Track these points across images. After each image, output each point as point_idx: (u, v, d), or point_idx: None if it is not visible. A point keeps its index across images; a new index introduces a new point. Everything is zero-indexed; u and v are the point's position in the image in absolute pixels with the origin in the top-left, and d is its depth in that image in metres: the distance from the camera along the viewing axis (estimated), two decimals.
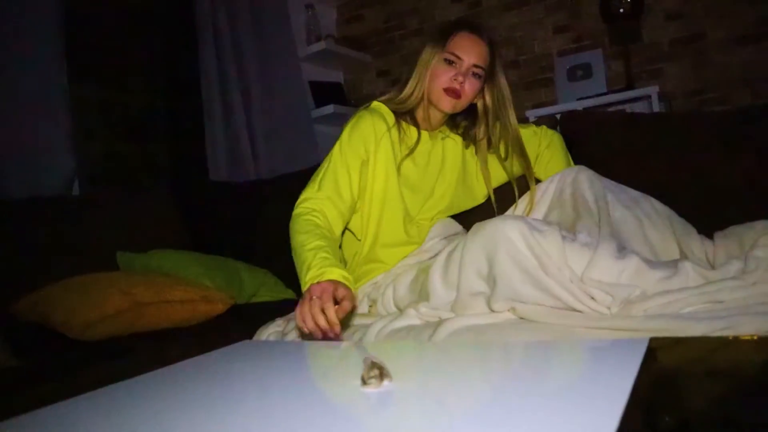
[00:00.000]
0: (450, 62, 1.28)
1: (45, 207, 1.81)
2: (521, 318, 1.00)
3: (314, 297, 1.02)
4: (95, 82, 2.30)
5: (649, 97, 2.44)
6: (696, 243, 1.15)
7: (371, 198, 1.31)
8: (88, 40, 2.30)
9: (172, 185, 2.12)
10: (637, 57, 2.73)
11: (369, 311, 1.27)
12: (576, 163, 1.46)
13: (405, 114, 1.34)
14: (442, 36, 1.31)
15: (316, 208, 1.23)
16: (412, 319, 1.15)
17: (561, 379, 0.66)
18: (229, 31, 2.64)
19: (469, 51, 1.28)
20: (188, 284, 1.45)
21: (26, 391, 1.01)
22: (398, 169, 1.31)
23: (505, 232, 0.98)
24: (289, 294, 1.77)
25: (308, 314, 1.00)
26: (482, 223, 1.05)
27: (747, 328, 0.82)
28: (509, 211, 1.39)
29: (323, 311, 0.99)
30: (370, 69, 3.37)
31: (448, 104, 1.30)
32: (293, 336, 1.26)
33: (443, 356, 0.82)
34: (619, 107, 2.51)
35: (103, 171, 2.27)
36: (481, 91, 1.35)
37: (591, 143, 1.53)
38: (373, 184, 1.30)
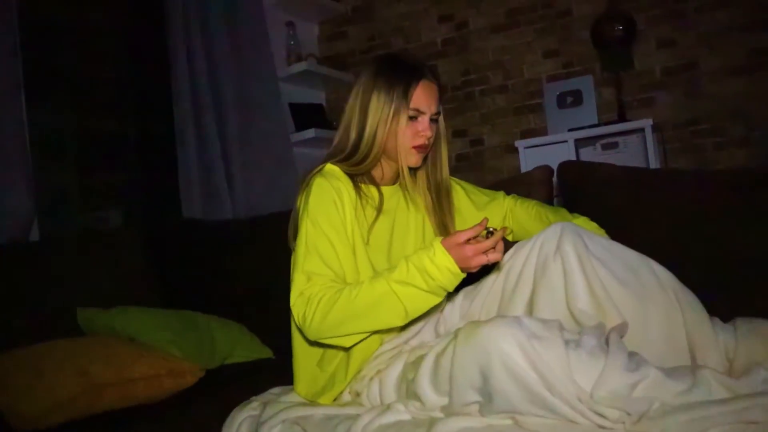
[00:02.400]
0: (413, 117, 1.20)
1: None
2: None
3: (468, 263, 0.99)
4: (56, 110, 2.14)
5: (643, 129, 2.36)
6: (707, 331, 1.03)
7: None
8: (48, 64, 2.14)
9: (141, 224, 1.97)
10: (629, 84, 2.65)
11: (353, 401, 1.16)
12: None
13: (361, 175, 1.23)
14: (401, 89, 1.18)
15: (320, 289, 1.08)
16: (400, 414, 1.04)
17: None
18: (203, 52, 2.47)
19: (431, 101, 1.21)
20: (153, 357, 1.31)
21: None
22: (368, 237, 1.19)
23: (500, 344, 0.85)
24: (266, 353, 1.64)
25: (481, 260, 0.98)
26: (473, 327, 0.91)
27: None
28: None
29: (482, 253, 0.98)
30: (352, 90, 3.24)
31: (417, 160, 1.23)
32: (269, 425, 1.14)
33: None
34: (612, 139, 2.43)
35: (66, 206, 2.11)
36: None
37: (590, 199, 1.42)
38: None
